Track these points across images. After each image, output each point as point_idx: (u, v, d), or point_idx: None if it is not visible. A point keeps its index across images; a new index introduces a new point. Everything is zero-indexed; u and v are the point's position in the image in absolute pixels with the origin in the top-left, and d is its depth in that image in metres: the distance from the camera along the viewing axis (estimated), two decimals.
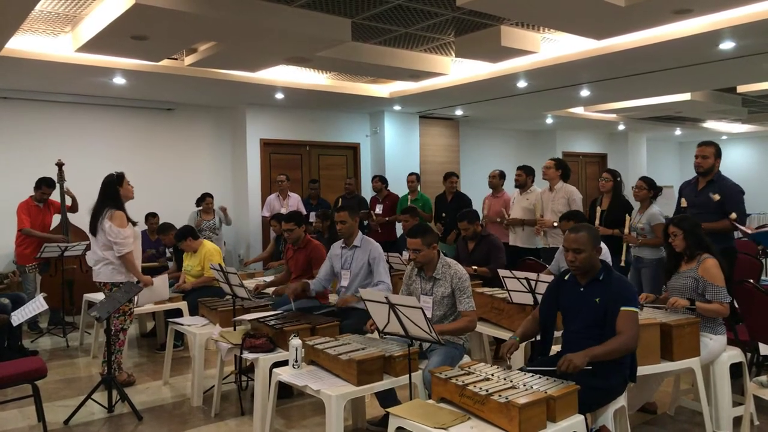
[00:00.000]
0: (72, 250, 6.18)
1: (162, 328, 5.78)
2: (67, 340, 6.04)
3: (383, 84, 8.10)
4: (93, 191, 7.06)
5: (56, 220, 6.60)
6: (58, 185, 6.46)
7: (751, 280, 4.00)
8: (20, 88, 7.11)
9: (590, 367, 2.71)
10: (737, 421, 3.53)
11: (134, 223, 4.61)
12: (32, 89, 7.17)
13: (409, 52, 6.48)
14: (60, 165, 6.48)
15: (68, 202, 6.59)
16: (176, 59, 6.37)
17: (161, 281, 4.93)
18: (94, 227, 4.48)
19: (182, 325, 4.50)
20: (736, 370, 3.73)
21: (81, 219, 6.73)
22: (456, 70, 7.07)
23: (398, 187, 8.30)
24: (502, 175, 6.81)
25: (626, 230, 5.01)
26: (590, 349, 2.75)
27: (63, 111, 7.57)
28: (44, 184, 6.35)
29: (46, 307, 4.29)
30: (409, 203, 7.48)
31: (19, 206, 6.32)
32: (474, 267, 5.02)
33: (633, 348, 2.84)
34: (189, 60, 6.21)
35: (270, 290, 5.12)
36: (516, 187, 6.36)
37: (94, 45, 5.29)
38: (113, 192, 4.49)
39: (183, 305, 5.28)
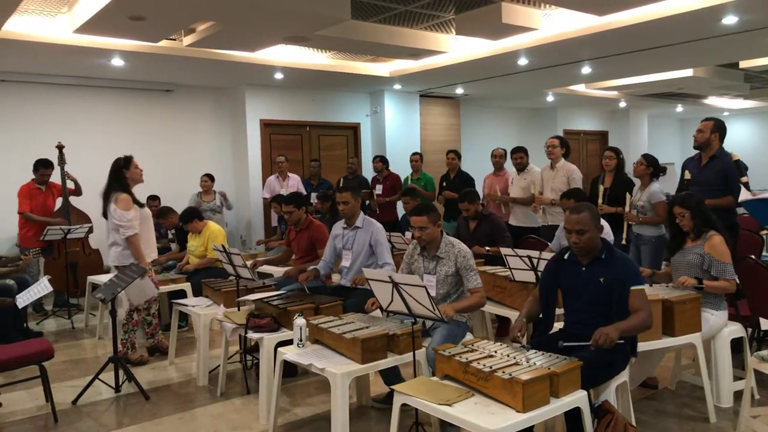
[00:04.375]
0: (75, 233, 6.20)
1: (166, 309, 5.81)
2: (73, 322, 6.08)
3: (383, 63, 8.04)
4: (93, 174, 7.13)
5: (59, 203, 6.60)
6: (58, 168, 6.46)
7: (753, 256, 4.02)
8: (18, 71, 7.06)
9: (622, 341, 2.77)
10: (738, 395, 3.57)
11: (141, 206, 4.66)
12: (30, 71, 7.12)
13: (409, 30, 6.43)
14: (60, 147, 6.47)
15: (71, 185, 6.58)
16: (175, 40, 6.32)
17: (145, 282, 4.68)
18: (105, 211, 4.58)
19: (186, 306, 4.53)
20: (736, 345, 3.77)
21: (83, 202, 6.75)
22: (456, 47, 7.02)
23: (399, 166, 8.28)
24: (506, 154, 6.81)
25: (627, 208, 5.01)
26: (618, 324, 2.80)
27: (62, 93, 7.53)
28: (41, 166, 6.34)
29: (50, 289, 4.32)
30: (410, 182, 7.48)
31: (20, 189, 6.32)
32: (487, 248, 5.02)
33: (650, 325, 2.90)
34: (188, 40, 6.16)
35: (274, 270, 5.13)
36: (518, 169, 6.36)
37: (91, 26, 5.25)
38: (119, 175, 4.55)
39: (187, 286, 5.31)
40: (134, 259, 4.53)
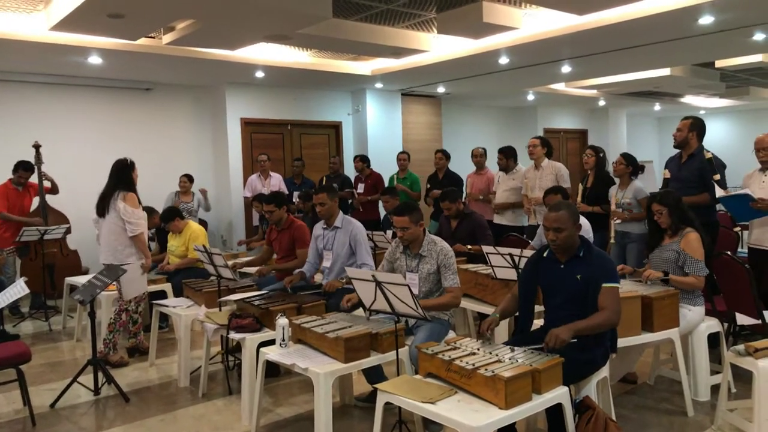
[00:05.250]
0: (52, 234, 6.10)
1: (146, 310, 5.74)
2: (50, 324, 5.99)
3: (365, 61, 8.03)
4: (71, 173, 7.05)
5: (36, 202, 6.50)
6: (36, 168, 6.35)
7: (729, 252, 4.09)
8: None
9: (575, 340, 2.76)
10: (715, 389, 3.64)
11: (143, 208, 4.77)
12: (5, 69, 6.98)
13: (390, 28, 6.43)
14: (37, 147, 6.36)
15: (47, 184, 6.48)
16: (154, 38, 6.24)
17: (144, 278, 4.83)
18: (101, 209, 4.59)
19: (167, 306, 4.49)
20: (713, 339, 3.83)
21: (61, 202, 6.65)
22: (438, 46, 7.03)
23: (381, 165, 8.28)
24: (485, 153, 6.84)
25: (612, 206, 5.04)
26: (574, 323, 2.80)
27: (38, 92, 7.40)
28: (21, 168, 6.24)
29: (27, 291, 4.23)
30: (396, 182, 7.48)
31: None
32: (468, 246, 5.03)
33: (615, 323, 2.90)
34: (167, 38, 6.09)
35: (251, 269, 5.11)
36: (500, 170, 6.38)
37: (68, 23, 5.16)
38: (126, 176, 4.63)
39: (167, 287, 5.26)
40: (136, 258, 4.61)
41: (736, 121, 14.49)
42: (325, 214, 4.38)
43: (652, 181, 5.11)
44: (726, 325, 4.08)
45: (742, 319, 3.82)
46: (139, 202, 4.67)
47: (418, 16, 6.03)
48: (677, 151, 4.78)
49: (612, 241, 5.04)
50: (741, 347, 3.02)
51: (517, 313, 3.22)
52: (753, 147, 4.34)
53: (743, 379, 3.62)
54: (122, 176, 4.62)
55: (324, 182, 7.62)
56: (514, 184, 6.21)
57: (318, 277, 4.73)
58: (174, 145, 8.46)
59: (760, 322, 3.64)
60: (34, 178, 6.40)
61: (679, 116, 4.82)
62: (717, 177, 4.39)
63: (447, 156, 7.26)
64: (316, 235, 4.50)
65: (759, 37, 6.19)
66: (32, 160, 6.33)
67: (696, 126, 4.62)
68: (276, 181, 7.76)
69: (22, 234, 5.87)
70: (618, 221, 5.00)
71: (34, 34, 5.63)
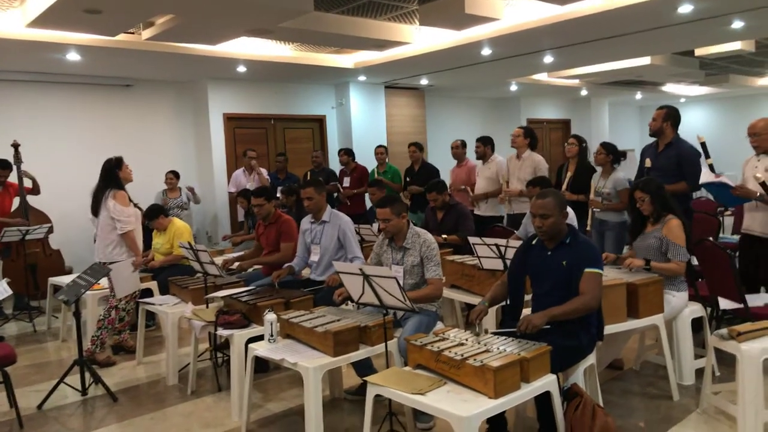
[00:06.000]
0: (34, 234, 6.02)
1: (132, 309, 5.70)
2: (34, 325, 5.92)
3: (347, 54, 8.00)
4: (51, 172, 6.96)
5: (17, 202, 6.40)
6: (15, 167, 6.26)
7: (711, 238, 4.15)
8: None
9: (549, 326, 2.79)
10: (699, 373, 3.70)
11: (135, 205, 4.83)
12: None
13: (372, 21, 6.40)
14: (16, 146, 6.26)
15: (28, 183, 6.39)
16: (133, 33, 6.16)
17: (136, 275, 4.84)
18: (95, 208, 4.67)
19: (153, 304, 4.46)
20: (697, 324, 3.89)
21: (42, 201, 6.56)
22: (420, 38, 7.02)
23: (366, 158, 8.26)
24: (463, 145, 6.88)
25: (591, 195, 5.11)
26: (550, 309, 2.83)
27: (16, 90, 7.27)
28: None
29: (10, 292, 4.19)
30: (377, 175, 7.48)
31: None
32: (444, 236, 5.07)
33: (593, 308, 2.91)
34: (146, 34, 6.01)
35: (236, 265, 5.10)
36: (477, 158, 6.43)
37: (45, 20, 5.08)
38: (113, 175, 4.68)
39: (153, 285, 5.22)
40: (127, 256, 4.63)
41: (716, 108, 14.66)
42: (313, 208, 4.36)
43: (634, 169, 5.15)
44: (709, 309, 4.14)
45: (724, 304, 3.87)
46: (130, 200, 4.71)
47: (400, 8, 6.01)
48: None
49: (588, 228, 5.09)
50: (724, 331, 3.07)
51: (504, 303, 3.25)
52: (742, 133, 4.37)
53: (726, 362, 3.68)
54: (110, 175, 4.66)
55: (309, 177, 7.59)
56: (489, 174, 6.25)
57: (306, 272, 4.72)
58: (156, 142, 8.38)
59: (742, 306, 3.70)
60: (13, 178, 6.31)
61: (660, 104, 4.86)
62: (710, 161, 4.42)
63: (420, 148, 7.31)
64: (304, 230, 4.49)
65: (737, 25, 6.26)
66: (11, 159, 6.24)
67: (670, 116, 4.67)
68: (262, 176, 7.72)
69: (4, 234, 5.79)
70: (597, 210, 5.06)
71: (11, 31, 5.53)
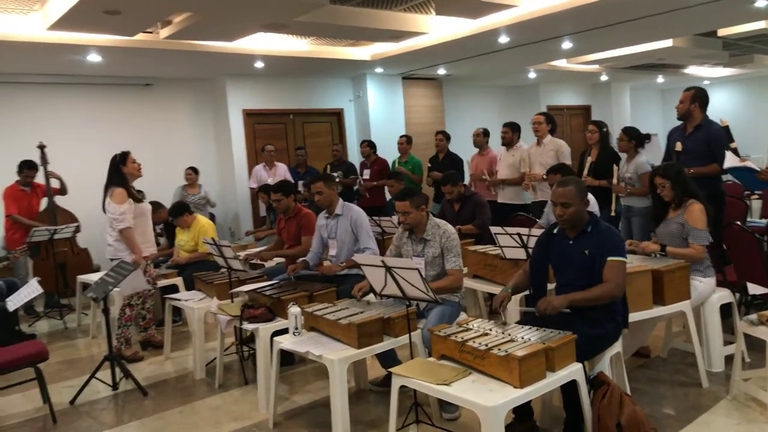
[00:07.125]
0: (61, 233, 6.14)
1: (159, 305, 5.79)
2: (65, 322, 6.05)
3: (364, 46, 7.98)
4: (77, 172, 7.07)
5: (44, 203, 6.53)
6: (41, 168, 6.38)
7: (738, 222, 4.07)
8: None
9: (569, 311, 2.78)
10: (729, 359, 3.65)
11: (139, 200, 4.79)
12: (5, 71, 6.99)
13: (388, 12, 6.37)
14: (42, 147, 6.38)
15: (56, 184, 6.52)
16: (151, 33, 6.22)
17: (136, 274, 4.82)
18: (103, 206, 4.70)
19: (179, 300, 4.52)
20: (725, 310, 3.83)
21: (69, 201, 6.68)
22: (436, 28, 6.98)
23: (384, 151, 8.25)
24: (486, 133, 6.81)
25: (615, 180, 5.03)
26: (571, 293, 2.82)
27: (39, 92, 7.40)
28: (25, 167, 6.26)
29: (40, 290, 4.28)
30: (398, 166, 7.46)
31: (4, 192, 6.25)
32: (458, 227, 5.03)
33: (617, 296, 2.88)
34: (164, 33, 6.07)
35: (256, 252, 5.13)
36: (503, 144, 6.36)
37: (65, 22, 5.15)
38: (117, 171, 4.68)
39: (179, 281, 5.29)
40: (127, 254, 4.61)
41: (740, 90, 14.34)
42: (324, 203, 4.36)
43: (658, 153, 5.07)
44: (738, 295, 4.07)
45: (753, 289, 3.80)
46: (130, 195, 4.66)
47: None
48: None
49: (613, 214, 5.01)
50: (754, 317, 3.03)
51: (527, 292, 3.23)
52: (760, 116, 4.28)
53: (757, 348, 3.62)
54: (112, 172, 4.68)
55: (328, 170, 7.61)
56: (513, 161, 6.19)
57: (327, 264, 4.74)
58: (177, 139, 8.47)
59: None
60: (40, 179, 6.44)
61: (682, 87, 4.77)
62: (734, 145, 4.34)
63: (447, 137, 7.24)
64: (320, 225, 4.49)
65: (761, 3, 6.10)
66: (38, 161, 6.36)
67: (698, 97, 4.57)
68: (281, 171, 7.77)
69: (33, 235, 5.91)
70: (622, 195, 4.99)
71: (32, 34, 5.63)
